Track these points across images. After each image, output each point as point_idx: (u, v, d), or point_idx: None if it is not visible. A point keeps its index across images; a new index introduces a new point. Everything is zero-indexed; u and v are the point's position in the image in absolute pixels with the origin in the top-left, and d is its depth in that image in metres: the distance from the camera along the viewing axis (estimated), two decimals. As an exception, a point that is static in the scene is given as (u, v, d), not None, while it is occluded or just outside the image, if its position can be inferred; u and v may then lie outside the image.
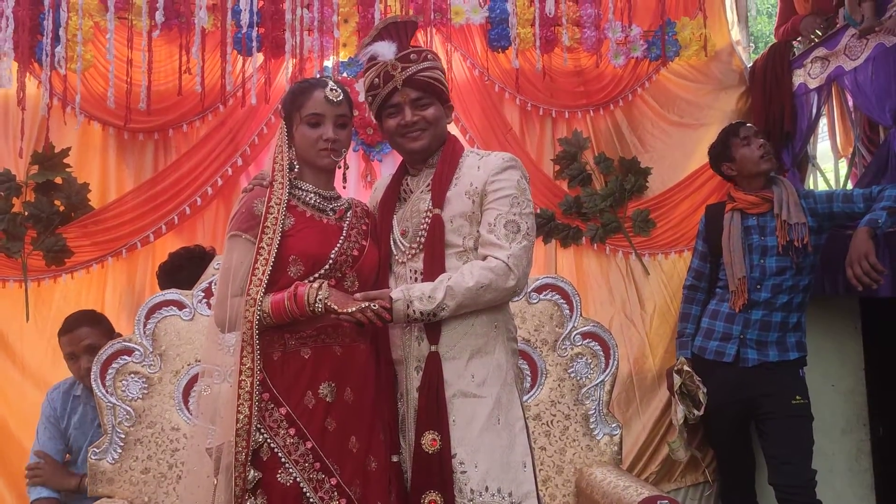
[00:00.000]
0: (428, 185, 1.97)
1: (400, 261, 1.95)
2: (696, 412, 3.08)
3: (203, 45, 3.31)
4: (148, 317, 2.62)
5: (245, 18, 2.99)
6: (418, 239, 1.92)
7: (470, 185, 1.91)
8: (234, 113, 3.48)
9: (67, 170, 3.33)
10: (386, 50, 1.92)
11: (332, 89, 1.92)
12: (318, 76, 3.22)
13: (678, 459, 3.30)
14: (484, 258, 1.86)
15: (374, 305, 1.76)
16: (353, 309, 1.76)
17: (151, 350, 2.59)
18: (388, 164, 3.59)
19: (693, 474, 3.44)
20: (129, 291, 3.40)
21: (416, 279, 1.91)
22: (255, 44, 3.31)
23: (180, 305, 2.65)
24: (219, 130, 3.47)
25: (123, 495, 2.49)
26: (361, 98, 2.23)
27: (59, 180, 3.31)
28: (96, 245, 3.34)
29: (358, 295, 1.82)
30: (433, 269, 1.87)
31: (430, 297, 1.79)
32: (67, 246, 3.28)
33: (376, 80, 1.94)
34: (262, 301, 1.80)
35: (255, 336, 1.79)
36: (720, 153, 3.16)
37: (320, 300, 1.78)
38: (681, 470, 3.44)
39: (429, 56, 1.97)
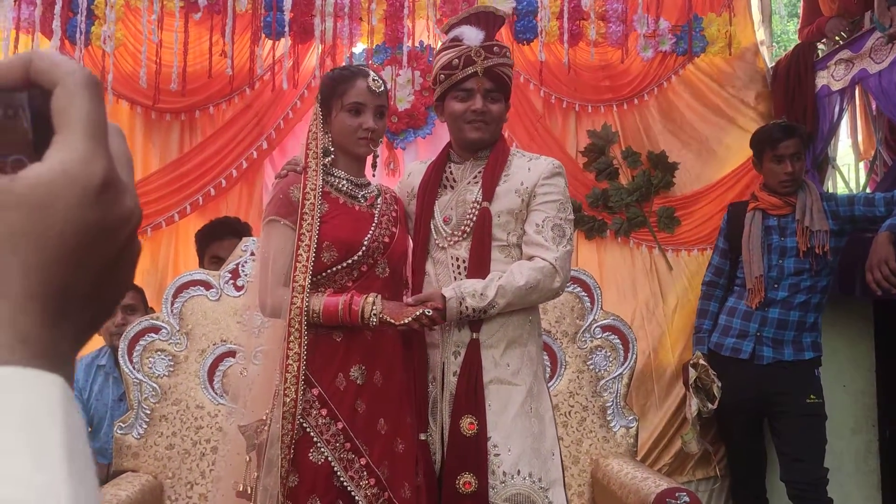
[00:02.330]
0: (475, 177, 2.00)
1: (441, 246, 1.99)
2: (709, 406, 3.11)
3: (233, 27, 3.32)
4: (175, 296, 2.64)
5: (287, 2, 2.99)
6: (462, 228, 1.96)
7: (521, 185, 1.95)
8: (260, 96, 3.49)
9: (95, 148, 3.35)
10: (474, 36, 1.94)
11: (374, 80, 1.93)
12: (346, 63, 3.24)
13: (690, 452, 3.33)
14: (530, 258, 1.91)
15: (429, 311, 1.81)
16: (409, 319, 1.80)
17: (178, 328, 2.62)
18: (410, 153, 3.61)
19: (705, 468, 3.46)
20: (153, 270, 3.44)
21: (457, 266, 1.95)
22: (285, 28, 3.32)
23: (207, 286, 2.67)
24: (245, 114, 3.48)
25: (148, 470, 2.52)
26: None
27: (86, 158, 3.34)
28: (121, 223, 3.37)
29: (410, 299, 1.87)
30: (481, 259, 1.91)
31: (482, 294, 1.84)
32: (93, 223, 3.31)
33: (455, 60, 1.94)
34: (308, 287, 1.82)
35: (304, 322, 1.81)
36: (756, 150, 3.17)
37: (374, 314, 1.80)
38: (693, 464, 3.46)
39: (507, 53, 2.00)
